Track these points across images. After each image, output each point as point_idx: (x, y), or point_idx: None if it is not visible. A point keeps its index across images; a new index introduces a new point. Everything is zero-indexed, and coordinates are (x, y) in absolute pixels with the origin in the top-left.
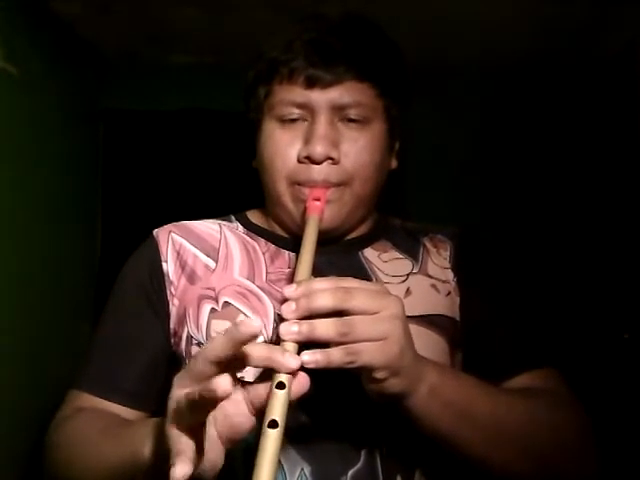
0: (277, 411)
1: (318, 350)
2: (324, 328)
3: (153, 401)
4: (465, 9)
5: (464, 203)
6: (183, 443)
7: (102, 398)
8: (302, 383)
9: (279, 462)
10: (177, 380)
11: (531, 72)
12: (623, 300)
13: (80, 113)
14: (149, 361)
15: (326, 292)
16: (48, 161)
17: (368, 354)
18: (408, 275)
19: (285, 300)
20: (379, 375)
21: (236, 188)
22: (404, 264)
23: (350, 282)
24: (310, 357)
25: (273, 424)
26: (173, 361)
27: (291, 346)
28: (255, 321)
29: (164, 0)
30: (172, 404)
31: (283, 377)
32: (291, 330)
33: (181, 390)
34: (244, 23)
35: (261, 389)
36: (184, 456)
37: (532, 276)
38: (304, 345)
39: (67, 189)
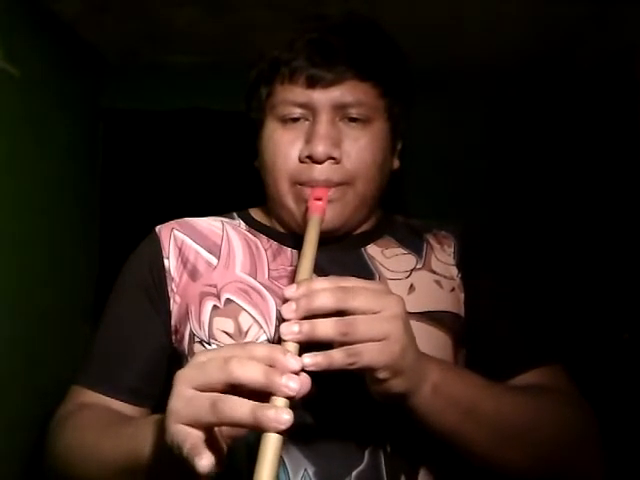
0: None
1: (319, 352)
2: (324, 328)
3: (154, 398)
4: (465, 9)
5: (464, 203)
6: (195, 436)
7: (103, 394)
8: (303, 384)
9: (282, 462)
10: (183, 378)
11: (531, 72)
12: (623, 300)
13: (80, 113)
14: (150, 358)
15: (326, 292)
16: (48, 161)
17: (369, 355)
18: (412, 271)
19: (286, 301)
20: (381, 375)
21: (236, 188)
22: (408, 260)
23: (351, 281)
24: (311, 360)
25: None
26: (174, 358)
27: (292, 346)
28: (295, 381)
29: (164, 0)
30: (179, 403)
31: None
32: (292, 330)
33: (189, 391)
34: (244, 23)
35: None
36: (202, 447)
37: (534, 275)
38: (306, 346)
39: (67, 189)
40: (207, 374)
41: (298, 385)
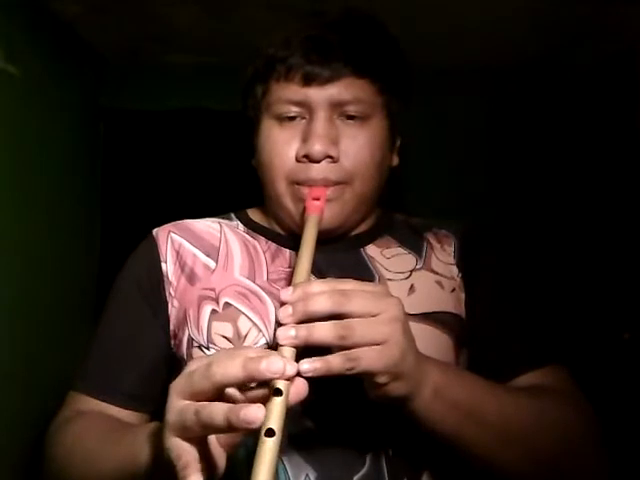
0: (274, 419)
1: (317, 358)
2: (322, 332)
3: (153, 403)
4: (465, 9)
5: (464, 203)
6: (188, 453)
7: (101, 401)
8: (300, 389)
9: (284, 467)
10: (175, 390)
11: (531, 72)
12: (623, 300)
13: (80, 113)
14: (148, 363)
15: (323, 295)
16: (48, 161)
17: (368, 359)
18: (412, 271)
19: (282, 304)
20: (380, 380)
21: (236, 187)
22: (408, 260)
23: (348, 284)
24: (309, 366)
25: (270, 433)
26: (173, 363)
27: (289, 351)
28: (277, 362)
29: (164, 0)
30: (172, 415)
31: (280, 384)
32: (288, 334)
33: (180, 402)
34: (244, 23)
35: (260, 394)
36: (193, 467)
37: (534, 275)
38: (304, 350)
39: (67, 189)
40: (193, 383)
41: (281, 366)
